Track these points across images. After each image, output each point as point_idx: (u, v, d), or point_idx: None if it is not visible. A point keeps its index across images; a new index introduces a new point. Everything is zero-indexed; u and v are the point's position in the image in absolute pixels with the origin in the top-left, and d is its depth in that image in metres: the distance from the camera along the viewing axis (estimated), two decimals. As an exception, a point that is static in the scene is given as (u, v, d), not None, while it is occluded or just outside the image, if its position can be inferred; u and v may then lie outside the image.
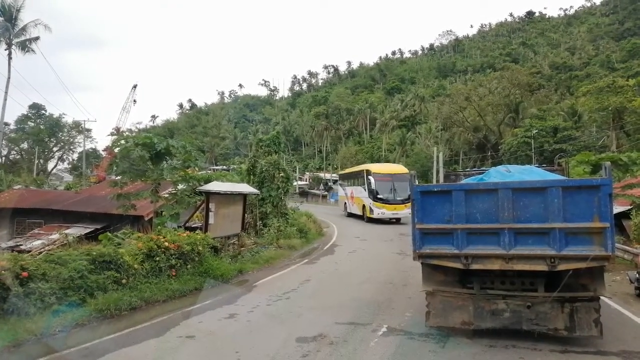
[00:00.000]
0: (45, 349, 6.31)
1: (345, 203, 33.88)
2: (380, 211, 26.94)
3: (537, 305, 6.03)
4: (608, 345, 6.02)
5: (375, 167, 29.79)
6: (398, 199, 26.56)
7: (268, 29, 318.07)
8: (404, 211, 25.62)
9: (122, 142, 13.76)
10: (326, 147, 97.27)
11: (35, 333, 6.69)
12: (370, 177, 27.65)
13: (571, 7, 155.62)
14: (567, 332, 5.92)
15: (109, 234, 11.61)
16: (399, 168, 30.38)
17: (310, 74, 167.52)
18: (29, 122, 72.39)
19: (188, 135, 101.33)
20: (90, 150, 72.08)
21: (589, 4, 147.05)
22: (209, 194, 12.94)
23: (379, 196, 26.95)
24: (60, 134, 72.87)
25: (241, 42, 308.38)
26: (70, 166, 75.06)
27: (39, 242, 15.76)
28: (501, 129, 65.93)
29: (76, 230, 16.53)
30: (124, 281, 8.80)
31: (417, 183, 6.84)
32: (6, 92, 35.78)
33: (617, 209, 13.18)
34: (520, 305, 6.08)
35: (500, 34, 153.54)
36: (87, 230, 16.49)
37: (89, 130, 69.19)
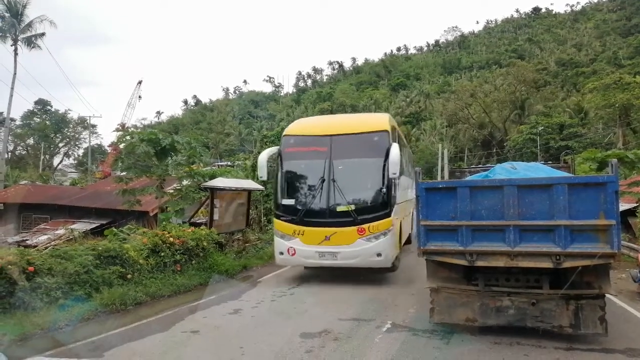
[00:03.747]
0: (52, 342, 6.37)
1: None
2: (287, 244, 10.13)
3: (542, 302, 6.01)
4: (613, 343, 6.00)
5: (294, 125, 11.94)
6: (336, 207, 9.78)
7: (272, 25, 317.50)
8: (364, 244, 9.58)
9: (128, 138, 13.83)
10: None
11: (42, 327, 6.75)
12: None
13: (578, 3, 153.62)
14: (572, 330, 5.91)
15: (114, 229, 11.68)
16: (352, 121, 12.17)
17: (315, 70, 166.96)
18: (35, 118, 72.86)
19: (193, 131, 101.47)
20: (95, 146, 72.43)
21: (595, 0, 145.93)
22: (213, 190, 12.99)
23: (284, 201, 10.46)
24: (66, 129, 73.26)
25: (246, 38, 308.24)
26: (75, 162, 75.42)
27: (45, 237, 15.89)
28: (506, 126, 65.64)
29: (82, 226, 16.67)
30: (129, 276, 8.86)
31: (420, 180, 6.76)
32: (12, 88, 35.94)
33: (624, 206, 13.13)
34: (525, 302, 6.06)
35: (506, 30, 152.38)
36: (93, 226, 16.63)
37: (94, 126, 69.37)
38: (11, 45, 36.19)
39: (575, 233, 5.65)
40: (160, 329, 7.14)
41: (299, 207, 10.08)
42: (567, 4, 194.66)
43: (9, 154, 61.14)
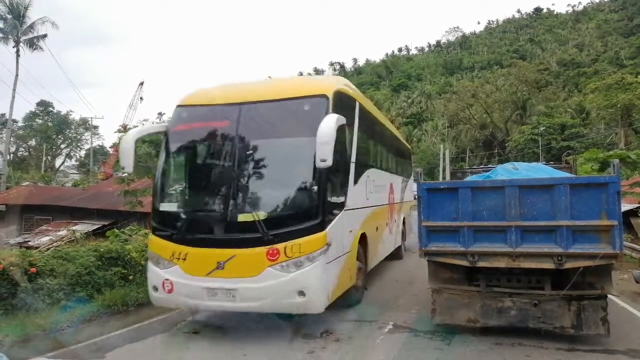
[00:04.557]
0: (54, 343, 6.37)
1: None
2: (162, 275, 6.52)
3: (543, 303, 6.00)
4: (615, 344, 5.98)
5: (194, 92, 7.71)
6: (237, 216, 6.23)
7: (274, 26, 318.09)
8: (276, 275, 5.98)
9: (129, 139, 13.84)
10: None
11: (44, 328, 6.75)
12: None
13: (579, 3, 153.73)
14: (574, 330, 5.89)
15: (116, 230, 11.70)
16: (278, 85, 7.91)
17: (316, 71, 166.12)
18: (37, 119, 73.10)
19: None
20: (97, 147, 72.52)
21: (597, 0, 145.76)
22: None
23: (162, 206, 7.04)
24: (68, 130, 73.47)
25: (247, 39, 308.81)
26: (77, 163, 75.60)
27: (47, 238, 15.94)
28: (508, 126, 65.67)
29: (84, 227, 16.72)
30: (131, 277, 8.87)
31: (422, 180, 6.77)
32: (14, 90, 36.09)
33: (625, 207, 13.09)
34: (526, 303, 6.05)
35: (508, 30, 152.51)
36: (95, 227, 16.67)
37: (96, 127, 69.52)
38: (13, 47, 36.40)
39: (577, 234, 5.65)
40: (162, 330, 7.15)
41: (182, 216, 6.73)
42: (568, 4, 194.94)
43: (11, 155, 61.36)
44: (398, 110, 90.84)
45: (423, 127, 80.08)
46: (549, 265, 5.79)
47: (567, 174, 7.38)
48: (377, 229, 9.68)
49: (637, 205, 14.39)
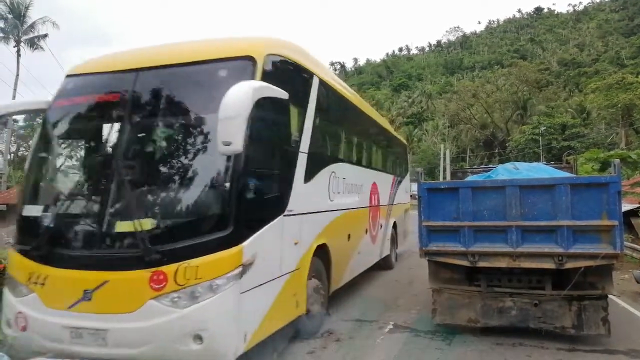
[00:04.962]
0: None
1: None
2: (16, 306, 4.68)
3: (544, 303, 5.99)
4: (616, 344, 5.97)
5: (90, 60, 5.92)
6: (113, 224, 4.42)
7: (274, 26, 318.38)
8: (162, 311, 4.15)
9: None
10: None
11: (44, 328, 6.74)
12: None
13: (580, 2, 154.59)
14: (574, 331, 5.88)
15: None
16: (190, 47, 5.61)
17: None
18: (38, 119, 72.96)
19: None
20: (97, 146, 72.38)
21: (598, 0, 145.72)
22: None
23: (25, 210, 5.23)
24: (68, 130, 73.46)
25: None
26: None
27: (47, 237, 15.90)
28: (509, 126, 65.66)
29: (84, 226, 16.66)
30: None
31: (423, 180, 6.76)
32: (15, 89, 36.08)
33: (626, 207, 13.09)
34: (527, 303, 6.04)
35: (508, 30, 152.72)
36: (95, 226, 16.60)
37: (96, 127, 69.31)
38: (14, 47, 36.39)
39: (578, 234, 5.64)
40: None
41: (45, 224, 4.89)
42: (569, 4, 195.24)
43: (12, 154, 61.36)
44: (399, 110, 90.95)
45: (423, 126, 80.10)
46: (549, 265, 5.78)
47: (567, 174, 7.37)
48: (349, 237, 8.03)
49: (638, 205, 14.39)
